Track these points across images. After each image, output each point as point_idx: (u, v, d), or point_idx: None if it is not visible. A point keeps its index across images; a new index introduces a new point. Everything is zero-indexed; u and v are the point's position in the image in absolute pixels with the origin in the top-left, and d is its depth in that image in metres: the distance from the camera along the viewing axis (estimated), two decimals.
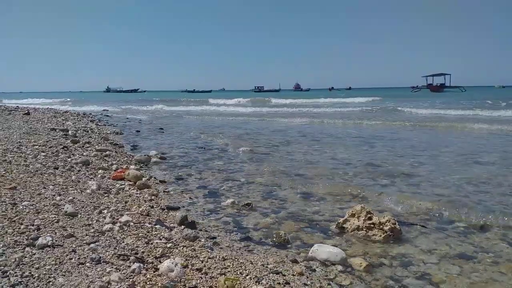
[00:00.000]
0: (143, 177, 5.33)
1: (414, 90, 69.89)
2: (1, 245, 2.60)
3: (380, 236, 3.45)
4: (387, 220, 3.53)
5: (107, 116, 19.74)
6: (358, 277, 2.77)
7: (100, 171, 5.54)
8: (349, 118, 17.56)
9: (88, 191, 4.32)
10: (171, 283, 2.34)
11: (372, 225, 3.54)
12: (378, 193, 4.85)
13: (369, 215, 3.63)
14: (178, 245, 3.00)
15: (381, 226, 3.51)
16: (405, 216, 4.06)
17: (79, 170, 5.41)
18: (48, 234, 2.87)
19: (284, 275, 2.64)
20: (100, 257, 2.58)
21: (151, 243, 2.97)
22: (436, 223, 3.87)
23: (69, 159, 6.07)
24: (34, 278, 2.22)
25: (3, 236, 2.76)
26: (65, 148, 7.05)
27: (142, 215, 3.70)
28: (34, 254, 2.54)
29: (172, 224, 3.53)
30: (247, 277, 2.55)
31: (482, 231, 3.66)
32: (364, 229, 3.55)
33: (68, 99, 46.68)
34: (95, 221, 3.36)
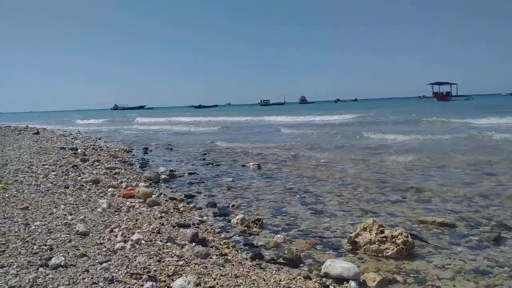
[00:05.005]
0: (153, 194, 5.35)
1: (420, 99, 69.81)
2: (15, 266, 2.62)
3: (393, 249, 3.41)
4: (399, 233, 3.49)
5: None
6: None
7: (110, 189, 5.57)
8: None
9: (99, 209, 4.34)
10: None
11: (384, 239, 3.50)
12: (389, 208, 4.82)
13: (381, 229, 3.60)
14: (190, 262, 3.00)
15: (393, 240, 3.46)
16: (417, 230, 4.01)
17: (89, 189, 5.45)
18: (61, 254, 2.88)
19: None
20: (113, 276, 2.58)
21: (163, 261, 2.97)
22: (449, 237, 3.82)
23: (79, 178, 6.12)
24: None
25: (17, 257, 2.78)
26: (75, 167, 7.12)
27: (153, 232, 3.70)
28: (48, 274, 2.54)
29: (183, 241, 3.53)
30: None
31: (496, 244, 3.60)
32: (376, 243, 3.51)
33: None
34: (106, 240, 3.37)
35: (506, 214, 4.46)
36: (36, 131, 16.84)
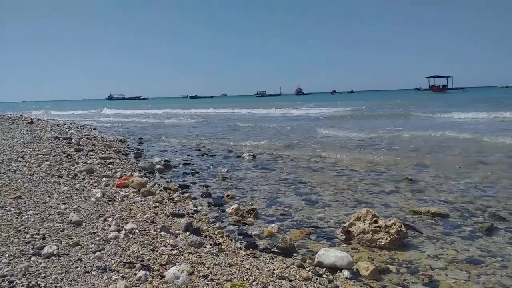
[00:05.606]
0: (147, 184, 5.33)
1: (417, 91, 70.63)
2: (7, 254, 2.60)
3: (387, 239, 3.42)
4: (393, 223, 3.50)
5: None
6: (366, 284, 2.74)
7: (104, 179, 5.54)
8: None
9: (92, 199, 4.32)
10: None
11: (378, 229, 3.51)
12: (383, 199, 4.83)
13: (374, 218, 3.61)
14: (184, 251, 2.99)
15: (387, 229, 3.48)
16: (411, 220, 4.03)
17: (83, 178, 5.42)
18: (54, 243, 2.87)
19: (291, 281, 2.63)
20: (106, 265, 2.57)
21: (157, 250, 2.96)
22: (442, 227, 3.84)
23: (73, 168, 6.08)
24: None
25: (9, 246, 2.76)
26: (69, 157, 7.07)
27: (147, 222, 3.69)
28: (40, 263, 2.53)
29: (177, 231, 3.53)
30: (254, 283, 2.53)
31: (489, 235, 3.62)
32: (370, 233, 3.51)
33: None
34: (100, 229, 3.36)
35: (499, 205, 4.49)
36: (30, 120, 16.69)
